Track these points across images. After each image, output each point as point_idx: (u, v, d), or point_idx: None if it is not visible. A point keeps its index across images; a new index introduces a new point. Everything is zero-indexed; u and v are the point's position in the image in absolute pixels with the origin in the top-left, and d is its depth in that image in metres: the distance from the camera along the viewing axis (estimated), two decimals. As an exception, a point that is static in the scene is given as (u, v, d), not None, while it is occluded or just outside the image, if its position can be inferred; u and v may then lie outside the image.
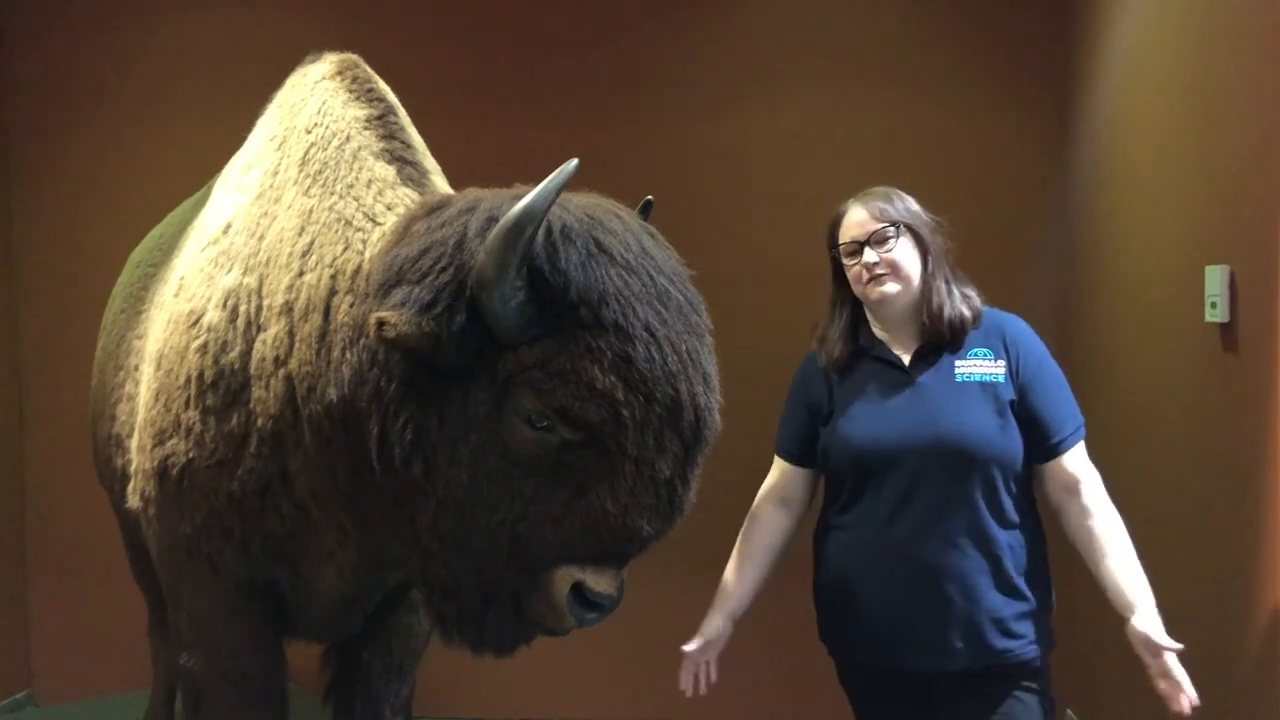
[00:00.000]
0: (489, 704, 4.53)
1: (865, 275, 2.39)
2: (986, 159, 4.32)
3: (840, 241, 2.44)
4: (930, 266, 2.41)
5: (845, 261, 2.43)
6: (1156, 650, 2.22)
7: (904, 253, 2.39)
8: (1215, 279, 2.70)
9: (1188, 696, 2.20)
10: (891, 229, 2.39)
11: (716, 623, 2.53)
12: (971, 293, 2.45)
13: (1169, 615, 3.00)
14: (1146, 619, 2.25)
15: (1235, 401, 2.65)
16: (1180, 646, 2.22)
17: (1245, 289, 2.61)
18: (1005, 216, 4.31)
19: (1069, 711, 4.00)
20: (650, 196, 2.44)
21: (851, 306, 2.49)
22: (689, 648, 2.50)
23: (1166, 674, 2.22)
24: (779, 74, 4.43)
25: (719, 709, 4.48)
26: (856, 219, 2.42)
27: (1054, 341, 4.26)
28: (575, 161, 1.91)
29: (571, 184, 1.93)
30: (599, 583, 2.04)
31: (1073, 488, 2.38)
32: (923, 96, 4.35)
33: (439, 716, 4.33)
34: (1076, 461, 2.39)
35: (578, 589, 2.05)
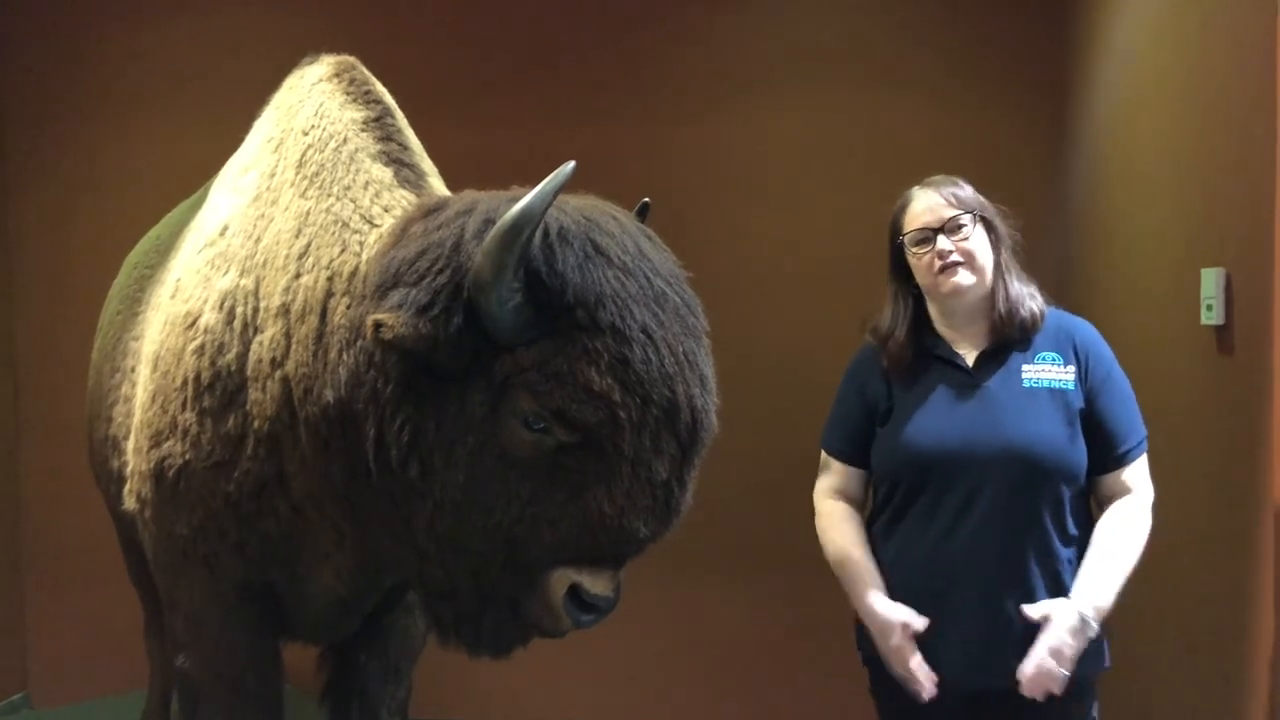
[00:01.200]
0: (486, 706, 4.52)
1: (938, 264, 2.25)
2: (982, 161, 4.29)
3: (908, 229, 2.30)
4: (1003, 258, 2.31)
5: (914, 250, 2.29)
6: (1041, 632, 2.12)
7: (979, 242, 2.27)
8: (1211, 281, 2.70)
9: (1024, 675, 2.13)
10: (967, 216, 2.27)
11: (906, 610, 2.27)
12: (1036, 291, 2.35)
13: (1165, 617, 3.00)
14: (1068, 605, 2.16)
15: (1231, 404, 2.65)
16: (1041, 656, 2.13)
17: (1241, 292, 2.61)
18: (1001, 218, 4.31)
19: None
20: (647, 199, 2.44)
21: (914, 302, 2.36)
22: (918, 624, 2.23)
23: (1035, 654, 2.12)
24: (777, 77, 4.44)
25: (718, 710, 4.49)
26: (928, 204, 2.28)
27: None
28: (572, 164, 1.92)
29: (569, 186, 1.93)
30: (596, 585, 2.04)
31: (1119, 496, 2.28)
32: (919, 98, 4.36)
33: (436, 718, 4.32)
34: (1135, 475, 2.29)
35: (574, 591, 2.05)
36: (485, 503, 1.99)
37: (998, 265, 2.31)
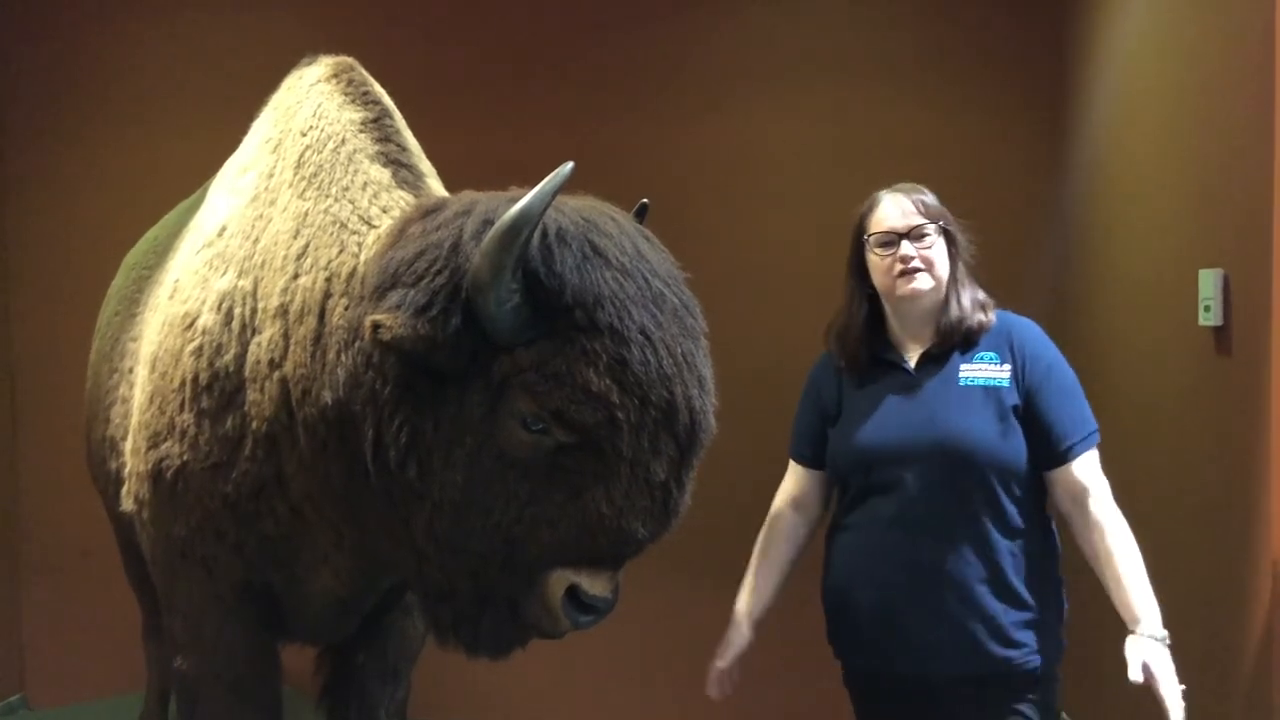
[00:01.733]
0: (484, 707, 4.52)
1: (899, 268, 2.33)
2: (982, 163, 4.32)
3: (873, 231, 2.37)
4: (959, 270, 2.39)
5: (877, 251, 2.36)
6: (1148, 679, 2.16)
7: (939, 251, 2.35)
8: (1209, 282, 2.70)
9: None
10: (931, 225, 2.35)
11: (742, 632, 2.51)
12: (985, 297, 2.42)
13: (1165, 617, 3.00)
14: (1144, 641, 2.20)
15: (1229, 405, 2.65)
16: (1175, 692, 2.15)
17: (1239, 292, 2.61)
18: (1000, 221, 4.28)
19: (1064, 715, 4.01)
20: (646, 200, 2.44)
21: (870, 303, 2.43)
22: (721, 664, 2.49)
23: (1160, 699, 2.15)
24: (775, 78, 4.44)
25: (717, 712, 4.49)
26: (899, 209, 2.36)
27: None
28: (571, 165, 1.92)
29: (567, 187, 1.93)
30: (594, 586, 2.04)
31: (1080, 498, 2.32)
32: (918, 100, 4.36)
33: (434, 719, 4.32)
34: (1085, 470, 2.33)
35: (573, 592, 2.04)
36: (484, 503, 1.99)
37: (953, 276, 2.39)
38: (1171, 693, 2.15)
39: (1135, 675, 2.17)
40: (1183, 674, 2.58)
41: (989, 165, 4.33)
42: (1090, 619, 3.46)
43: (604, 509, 1.95)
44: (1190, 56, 2.96)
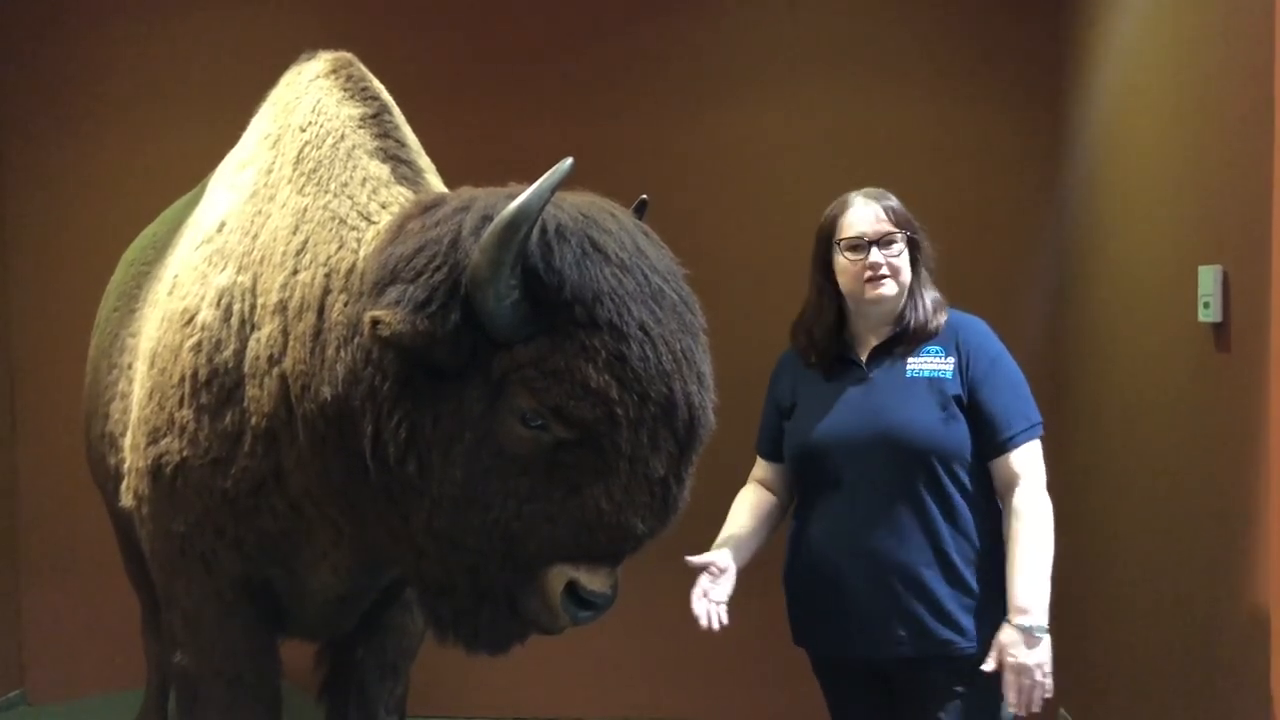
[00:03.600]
0: (483, 703, 4.52)
1: (867, 274, 2.40)
2: (980, 158, 4.32)
3: (844, 234, 2.44)
4: (922, 275, 2.47)
5: (847, 255, 2.43)
6: (1000, 663, 2.28)
7: (904, 259, 2.43)
8: (1208, 279, 2.70)
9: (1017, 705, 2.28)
10: (900, 234, 2.42)
11: (726, 553, 2.44)
12: (940, 298, 2.50)
13: (1160, 612, 3.01)
14: (1010, 629, 2.29)
15: (1228, 401, 2.65)
16: (1021, 682, 2.27)
17: (1238, 289, 2.61)
18: (998, 217, 4.31)
19: (1061, 710, 4.01)
20: (645, 195, 2.45)
21: (838, 302, 2.50)
22: (695, 560, 2.41)
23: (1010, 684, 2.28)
24: (775, 74, 4.43)
25: (713, 705, 4.49)
26: (869, 215, 2.43)
27: (1047, 341, 4.31)
28: (570, 160, 1.92)
29: (566, 183, 1.93)
30: (593, 581, 2.04)
31: (1011, 485, 2.39)
32: (916, 96, 4.36)
33: (433, 715, 4.33)
34: (1023, 460, 2.40)
35: (572, 587, 2.05)
36: (483, 499, 1.99)
37: (916, 281, 2.46)
38: (1014, 680, 2.26)
39: (988, 664, 2.30)
40: (1181, 669, 2.59)
41: (988, 160, 4.33)
42: (1090, 618, 3.46)
43: (603, 505, 1.96)
44: (1190, 52, 2.96)
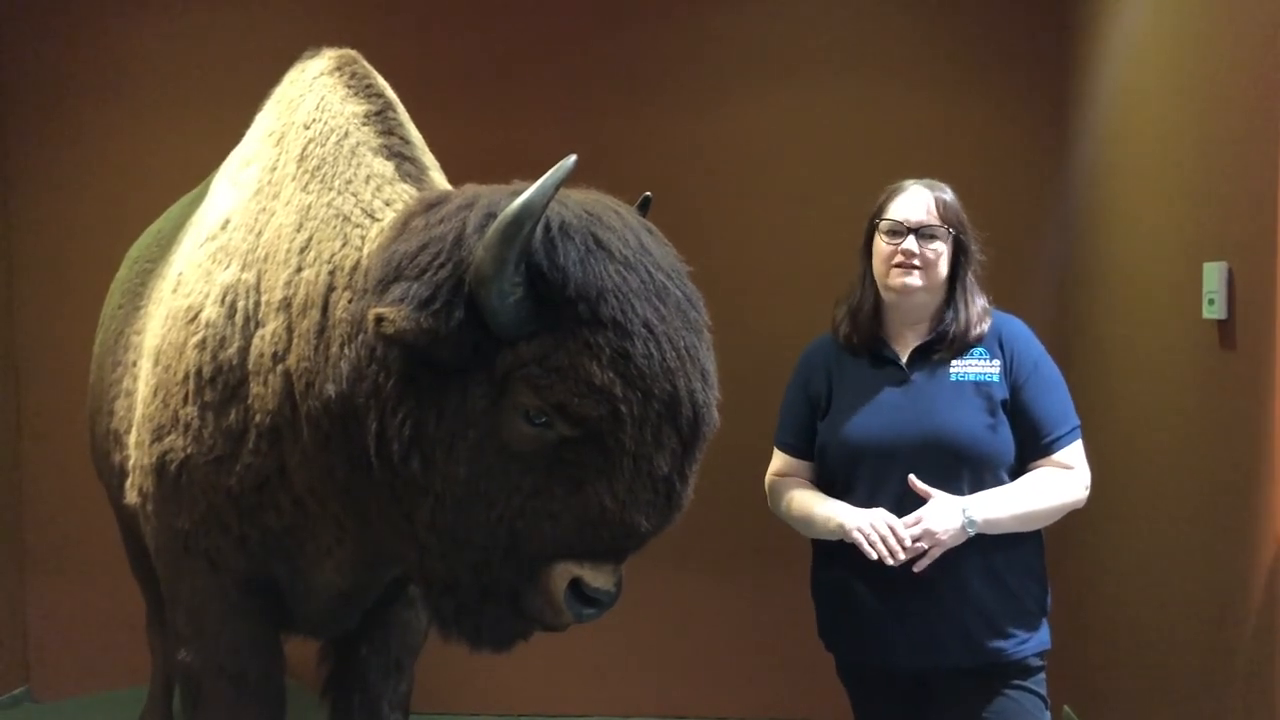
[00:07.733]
0: (486, 700, 4.53)
1: (896, 258, 2.36)
2: (985, 155, 4.32)
3: (887, 215, 2.40)
4: (967, 280, 2.42)
5: (884, 238, 2.39)
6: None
7: (943, 257, 2.39)
8: (1213, 276, 2.70)
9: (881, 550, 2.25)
10: (943, 230, 2.38)
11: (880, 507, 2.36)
12: (987, 305, 2.46)
13: (1165, 610, 3.01)
14: (949, 501, 2.27)
15: (1233, 398, 2.65)
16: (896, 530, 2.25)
17: (1243, 286, 2.61)
18: (1004, 213, 4.29)
19: (1065, 708, 4.01)
20: (649, 193, 2.44)
21: (875, 290, 2.46)
22: (920, 484, 2.31)
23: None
24: (779, 72, 4.43)
25: (717, 703, 4.49)
26: (916, 203, 2.39)
27: (1052, 338, 4.26)
28: (574, 157, 1.92)
29: (570, 180, 1.93)
30: (597, 579, 2.04)
31: None
32: (921, 94, 4.36)
33: (437, 712, 4.33)
34: (1070, 459, 2.39)
35: (576, 585, 2.05)
36: (487, 497, 1.99)
37: (962, 285, 2.42)
38: (911, 520, 2.24)
39: (917, 485, 2.28)
40: (1187, 663, 2.59)
41: (993, 157, 4.32)
42: (1092, 617, 3.46)
43: (607, 502, 1.96)
44: (1195, 49, 2.96)
